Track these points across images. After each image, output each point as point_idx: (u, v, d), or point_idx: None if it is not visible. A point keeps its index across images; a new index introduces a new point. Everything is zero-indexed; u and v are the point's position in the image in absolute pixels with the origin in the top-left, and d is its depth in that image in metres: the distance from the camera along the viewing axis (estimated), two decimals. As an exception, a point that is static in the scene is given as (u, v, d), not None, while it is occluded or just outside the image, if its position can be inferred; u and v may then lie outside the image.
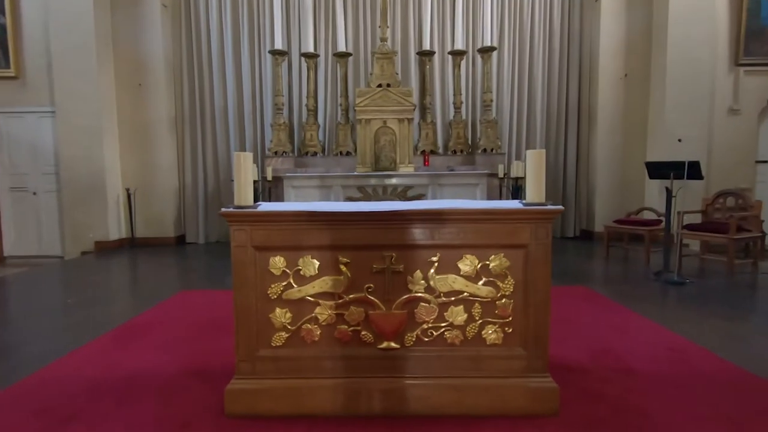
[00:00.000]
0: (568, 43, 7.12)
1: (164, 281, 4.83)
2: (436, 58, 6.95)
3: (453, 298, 1.86)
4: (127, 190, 6.82)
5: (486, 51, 6.50)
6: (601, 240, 6.85)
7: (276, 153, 6.48)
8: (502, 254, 1.84)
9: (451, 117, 6.97)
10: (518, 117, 7.22)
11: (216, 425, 1.81)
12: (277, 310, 1.87)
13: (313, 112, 6.74)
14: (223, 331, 2.94)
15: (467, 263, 1.84)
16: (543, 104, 7.19)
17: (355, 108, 6.10)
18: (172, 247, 6.89)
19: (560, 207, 1.84)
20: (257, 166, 6.32)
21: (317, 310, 1.87)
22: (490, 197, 5.82)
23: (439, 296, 1.86)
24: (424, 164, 6.42)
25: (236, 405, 1.86)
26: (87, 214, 6.57)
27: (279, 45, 6.44)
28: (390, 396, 1.86)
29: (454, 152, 6.67)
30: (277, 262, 1.86)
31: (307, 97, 6.74)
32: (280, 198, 5.99)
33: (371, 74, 6.41)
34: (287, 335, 1.88)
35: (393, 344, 1.87)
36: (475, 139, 6.95)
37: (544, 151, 1.90)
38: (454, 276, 1.85)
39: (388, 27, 6.45)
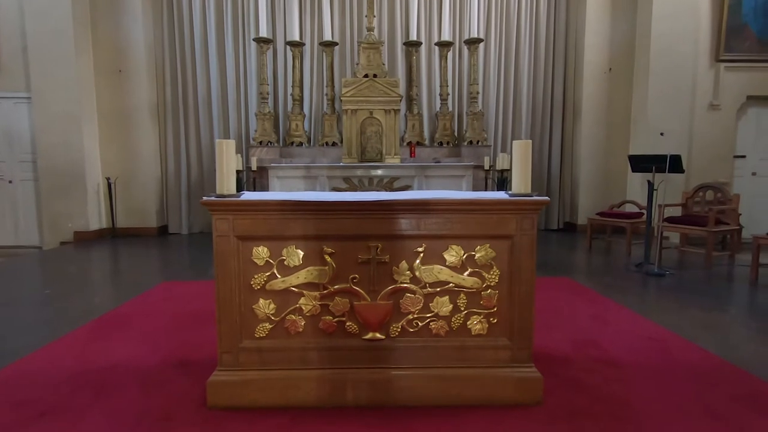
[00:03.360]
0: (554, 37, 7.14)
1: (146, 272, 4.74)
2: (423, 49, 6.91)
3: (438, 289, 1.85)
4: (108, 179, 6.67)
5: (473, 43, 6.48)
6: (585, 232, 6.97)
7: (261, 143, 6.39)
8: (488, 245, 1.84)
9: (438, 108, 6.96)
10: (504, 109, 7.24)
11: (198, 417, 1.79)
12: (261, 300, 1.85)
13: (299, 101, 6.66)
14: (206, 323, 2.90)
15: (453, 254, 1.84)
16: (528, 97, 7.22)
17: (341, 98, 6.04)
18: (154, 238, 6.77)
19: (546, 198, 1.85)
20: (241, 156, 6.22)
21: (301, 300, 1.85)
22: (476, 189, 5.83)
23: (424, 287, 1.85)
24: (411, 155, 6.40)
25: (219, 397, 1.83)
26: (66, 204, 6.40)
27: (264, 33, 6.32)
28: (375, 387, 1.85)
29: (440, 144, 6.67)
30: (261, 252, 1.83)
31: (293, 87, 6.64)
32: (264, 188, 5.91)
33: (357, 64, 6.34)
34: (271, 326, 1.86)
35: (378, 335, 1.86)
36: (462, 131, 6.96)
37: (530, 141, 1.90)
38: (439, 266, 1.84)
39: (375, 16, 6.38)
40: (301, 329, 1.86)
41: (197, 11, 6.89)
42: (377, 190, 5.66)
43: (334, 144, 6.57)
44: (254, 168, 5.81)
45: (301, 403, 1.84)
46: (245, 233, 1.81)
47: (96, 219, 6.64)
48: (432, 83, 7.09)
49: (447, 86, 6.69)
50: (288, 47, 6.79)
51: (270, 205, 1.79)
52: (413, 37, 6.68)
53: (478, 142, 6.47)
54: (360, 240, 1.83)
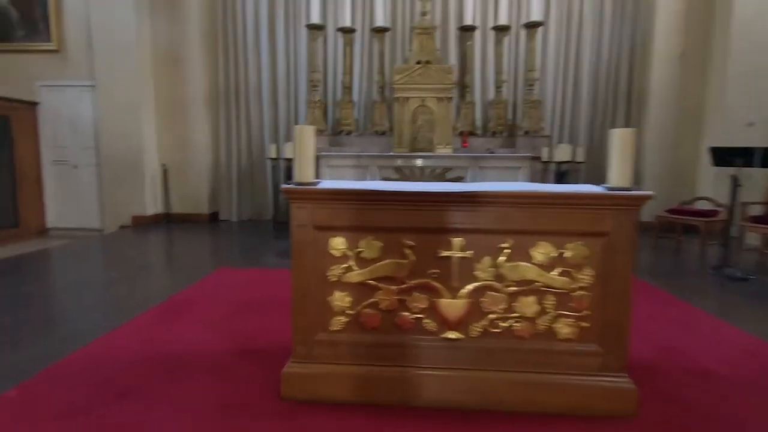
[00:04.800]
0: (621, 19, 6.69)
1: (202, 258, 4.84)
2: (478, 33, 6.64)
3: (524, 288, 1.72)
4: (163, 166, 6.86)
5: (532, 26, 6.17)
6: (649, 230, 6.57)
7: (311, 131, 6.36)
8: (581, 242, 1.69)
9: (492, 96, 6.71)
10: (563, 97, 6.89)
11: (273, 408, 1.75)
12: (336, 293, 1.78)
13: (349, 89, 6.58)
14: (265, 310, 2.90)
15: (541, 251, 1.70)
16: (590, 84, 6.83)
17: (393, 86, 5.92)
18: (205, 224, 6.93)
19: (649, 193, 1.67)
20: (291, 145, 6.23)
21: (378, 294, 1.77)
22: (532, 182, 5.59)
23: (508, 285, 1.73)
24: (463, 145, 6.21)
25: (293, 389, 1.79)
26: (125, 189, 6.65)
27: (316, 20, 6.26)
28: (452, 388, 1.76)
29: (494, 134, 6.43)
30: (338, 243, 1.76)
31: (343, 74, 6.57)
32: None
33: (410, 50, 6.19)
34: (346, 320, 1.79)
35: (457, 334, 1.76)
36: (515, 120, 6.69)
37: (633, 130, 1.72)
38: (526, 264, 1.71)
39: (429, 0, 6.18)
40: (377, 324, 1.78)
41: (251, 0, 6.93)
42: (428, 181, 5.52)
43: (383, 133, 6.47)
44: (305, 156, 5.81)
45: (375, 400, 1.77)
46: (323, 223, 1.74)
47: (152, 204, 6.86)
48: (486, 70, 6.83)
49: (503, 73, 6.42)
50: (338, 34, 6.72)
51: (350, 195, 1.71)
52: (467, 21, 6.43)
53: (534, 132, 6.19)
54: (441, 233, 1.73)
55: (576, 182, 6.24)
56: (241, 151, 7.23)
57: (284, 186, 1.74)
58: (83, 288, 3.61)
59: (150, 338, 2.48)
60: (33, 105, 6.65)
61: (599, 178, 6.84)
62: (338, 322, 1.79)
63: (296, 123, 7.16)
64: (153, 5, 6.68)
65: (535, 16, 6.15)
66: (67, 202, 7.04)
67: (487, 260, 1.72)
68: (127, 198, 6.68)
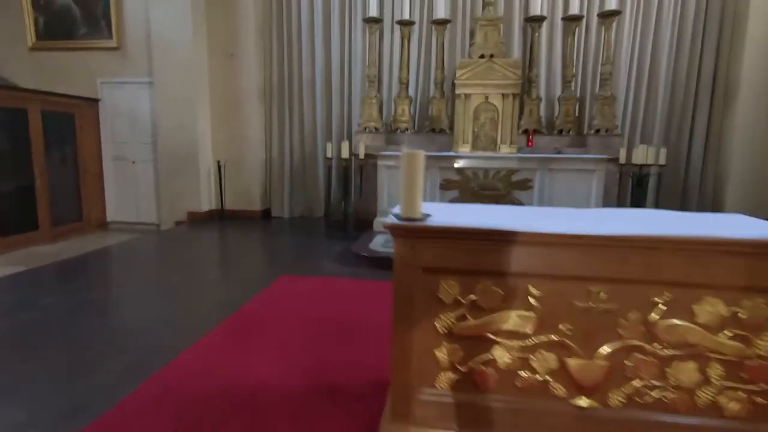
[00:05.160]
0: (707, 3, 6.03)
1: (260, 260, 4.74)
2: (545, 25, 6.16)
3: (681, 352, 1.41)
4: (218, 162, 6.83)
5: (608, 16, 5.64)
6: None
7: (366, 129, 6.13)
8: (763, 300, 1.35)
9: (558, 92, 6.24)
10: (635, 93, 6.32)
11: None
12: (445, 345, 1.53)
13: (406, 84, 6.28)
14: (341, 333, 2.70)
15: (708, 308, 1.38)
16: (668, 77, 6.22)
17: (455, 81, 5.57)
18: (259, 221, 6.87)
19: None
20: (349, 142, 6.00)
21: (496, 350, 1.51)
22: (608, 187, 5.14)
23: (661, 347, 1.42)
24: (528, 145, 5.81)
25: (392, 453, 1.57)
26: (181, 185, 6.67)
27: (374, 12, 5.97)
28: (583, 463, 1.48)
29: (560, 132, 5.97)
30: (450, 288, 1.50)
31: (400, 69, 6.27)
32: (371, 178, 5.67)
33: (472, 43, 5.81)
34: (456, 377, 1.54)
35: (591, 402, 1.47)
36: (583, 117, 6.19)
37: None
38: (686, 324, 1.40)
39: (495, -11, 5.77)
40: (493, 385, 1.53)
41: (305, -8, 6.72)
42: (494, 184, 5.19)
43: (441, 131, 6.14)
44: (362, 156, 5.58)
45: (489, 471, 1.52)
46: (433, 264, 1.49)
47: (207, 200, 6.86)
48: (552, 63, 6.36)
49: (572, 66, 5.94)
50: (395, 27, 6.42)
51: (468, 234, 1.45)
52: (535, 11, 5.96)
53: (606, 130, 5.70)
54: (577, 281, 1.44)
55: (658, 188, 5.73)
56: (294, 147, 7.10)
57: (386, 223, 1.50)
58: (148, 296, 3.55)
59: (223, 365, 2.33)
60: (95, 102, 6.76)
61: (678, 183, 6.26)
62: (446, 379, 1.55)
63: (350, 119, 6.96)
64: (209, 1, 6.60)
65: (612, 4, 5.60)
66: (126, 197, 7.16)
67: (635, 316, 1.42)
68: (183, 193, 6.70)
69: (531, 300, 1.47)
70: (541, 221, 1.50)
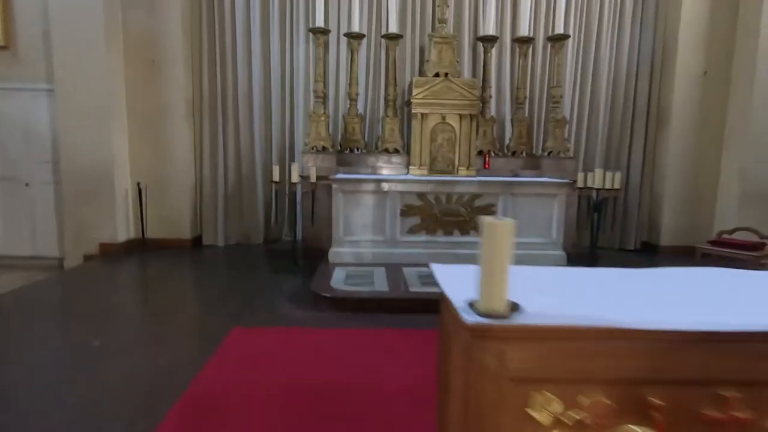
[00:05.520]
0: (641, 34, 6.36)
1: (203, 304, 4.00)
2: (495, 45, 6.10)
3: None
4: (138, 184, 5.89)
5: (557, 39, 5.70)
6: (668, 255, 6.30)
7: (314, 148, 5.62)
8: None
9: (507, 113, 6.23)
10: (578, 116, 6.49)
11: None
12: (538, 480, 1.12)
13: (355, 101, 5.88)
14: (331, 414, 2.18)
15: None
16: (607, 103, 6.46)
17: (412, 100, 5.28)
18: (188, 251, 6.02)
19: None
20: (289, 165, 5.42)
21: (607, 482, 1.12)
22: (569, 212, 5.12)
23: (808, 464, 1.13)
24: (484, 167, 5.67)
25: None
26: (91, 212, 5.64)
27: (320, 22, 5.51)
28: None
29: (513, 153, 5.93)
30: (546, 402, 1.10)
31: (350, 85, 5.86)
32: (325, 205, 5.17)
33: (427, 61, 5.57)
34: None
35: None
36: (532, 138, 6.18)
37: None
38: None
39: (448, 6, 5.59)
40: None
41: (241, -6, 6.09)
42: (456, 209, 4.93)
43: (396, 151, 5.81)
44: (313, 179, 5.05)
45: None
46: (524, 373, 1.08)
47: (124, 229, 5.88)
48: (502, 84, 6.33)
49: (525, 88, 5.92)
50: (341, 39, 6.03)
51: (576, 333, 1.06)
52: (486, 31, 5.87)
53: (560, 153, 5.73)
54: (706, 386, 1.11)
55: (614, 212, 5.84)
56: (228, 167, 6.36)
57: (469, 321, 1.07)
58: (49, 375, 2.73)
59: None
60: (-26, 111, 5.53)
61: (618, 206, 6.47)
62: None
63: (292, 138, 6.40)
64: (126, -3, 5.72)
65: (560, 28, 5.67)
66: (17, 225, 5.93)
67: (776, 427, 1.12)
68: (94, 222, 5.66)
69: (652, 412, 1.11)
70: (647, 306, 1.16)
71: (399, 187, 4.86)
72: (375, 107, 6.27)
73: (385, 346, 3.04)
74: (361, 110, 6.07)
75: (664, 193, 6.39)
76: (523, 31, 5.81)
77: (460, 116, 5.34)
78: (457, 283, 1.34)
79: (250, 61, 6.25)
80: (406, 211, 4.91)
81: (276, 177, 5.09)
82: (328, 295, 3.86)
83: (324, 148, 5.63)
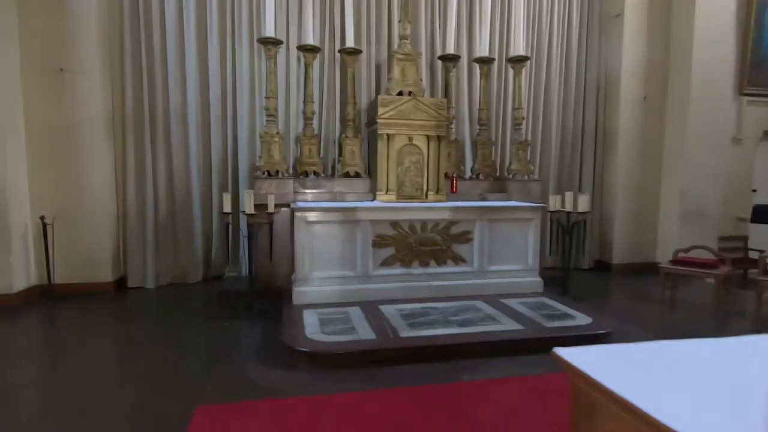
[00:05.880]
0: (586, 60, 6.56)
1: (143, 374, 3.14)
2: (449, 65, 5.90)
3: None
4: (42, 218, 4.78)
5: (518, 61, 5.65)
6: (620, 273, 6.46)
7: (267, 173, 4.96)
8: None
9: (470, 135, 6.06)
10: (531, 138, 6.48)
11: None
12: None
13: (311, 120, 5.33)
14: None
15: None
16: (558, 126, 6.54)
17: (378, 120, 4.85)
18: (111, 296, 4.99)
19: None
20: (250, 195, 4.70)
21: None
22: (542, 235, 4.96)
23: None
24: (452, 191, 5.38)
25: None
26: (-24, 255, 4.45)
27: (270, 32, 4.92)
28: None
29: (478, 176, 5.73)
30: None
31: (305, 102, 5.31)
32: (281, 238, 4.51)
33: (390, 79, 5.20)
34: None
35: None
36: (495, 161, 6.03)
37: None
38: None
39: (409, 22, 5.29)
40: None
41: (172, -3, 5.32)
42: (432, 238, 4.54)
43: (357, 175, 5.33)
44: (271, 209, 4.37)
45: None
46: None
47: (23, 274, 4.74)
48: (460, 105, 6.14)
49: (487, 109, 5.78)
50: (291, 52, 5.48)
51: None
52: (448, 49, 5.66)
53: (525, 175, 5.62)
54: None
55: (584, 235, 5.81)
56: (159, 194, 5.46)
57: None
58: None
59: None
60: None
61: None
62: None
63: (235, 160, 5.66)
64: (25, -9, 4.70)
65: (515, 51, 5.63)
66: None
67: None
68: (-20, 268, 4.47)
69: None
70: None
71: (371, 216, 4.37)
72: (330, 127, 5.75)
73: (394, 414, 2.51)
74: (316, 129, 5.52)
75: (614, 213, 6.57)
76: (481, 51, 5.68)
77: (428, 138, 5.02)
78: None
79: (184, 72, 5.45)
80: (379, 242, 4.42)
81: (227, 207, 4.33)
82: (306, 349, 3.23)
83: (277, 172, 4.99)
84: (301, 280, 4.27)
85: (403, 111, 4.89)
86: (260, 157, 5.02)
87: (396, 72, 5.14)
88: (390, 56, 5.29)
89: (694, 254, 5.15)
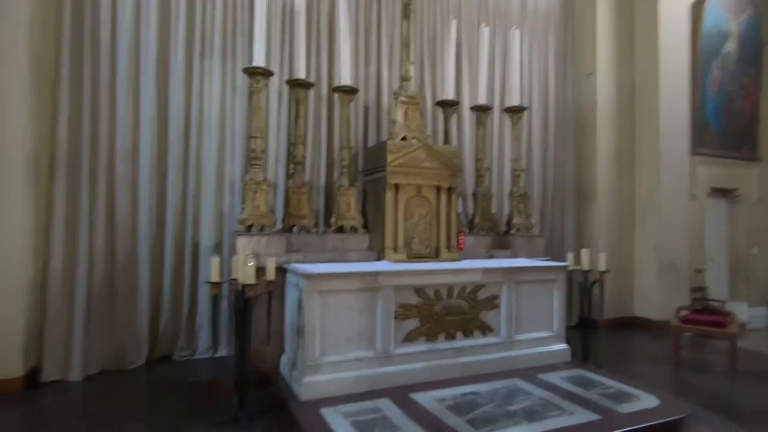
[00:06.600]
0: (564, 115, 6.61)
1: None
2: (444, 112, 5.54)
3: None
4: None
5: (515, 111, 5.44)
6: (606, 329, 6.29)
7: (250, 228, 4.01)
8: None
9: (467, 185, 5.66)
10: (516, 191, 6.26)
11: None
12: None
13: (301, 165, 4.55)
14: None
15: None
16: (539, 178, 6.41)
17: (388, 167, 4.22)
18: (17, 398, 3.56)
19: None
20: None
21: None
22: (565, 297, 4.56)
23: None
24: (458, 248, 4.83)
25: None
26: None
27: (260, 61, 4.14)
28: None
29: (480, 230, 5.27)
30: None
31: (295, 144, 4.54)
32: (260, 311, 3.57)
33: (393, 122, 4.65)
34: None
35: None
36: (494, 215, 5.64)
37: None
38: None
39: (412, 63, 4.85)
40: None
41: (128, 5, 4.34)
42: (459, 305, 3.90)
43: (353, 230, 4.57)
44: (271, 276, 3.42)
45: None
46: None
47: None
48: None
49: (484, 159, 5.43)
50: (272, 89, 4.73)
51: None
52: (446, 95, 5.29)
53: (527, 230, 5.28)
54: None
55: (602, 294, 5.52)
56: (96, 252, 4.21)
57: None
58: None
59: None
60: None
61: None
62: None
63: (197, 210, 4.64)
64: None
65: (515, 99, 5.45)
66: None
67: None
68: None
69: None
70: None
71: (395, 281, 3.63)
72: (316, 173, 4.98)
73: None
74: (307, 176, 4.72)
75: (597, 267, 6.46)
76: (478, 99, 5.41)
77: (438, 188, 4.48)
78: None
79: (137, 103, 4.42)
80: (402, 313, 3.67)
81: (215, 275, 3.28)
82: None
83: (262, 227, 4.07)
84: (310, 366, 3.33)
85: (414, 158, 4.34)
86: (243, 209, 4.07)
87: (399, 115, 4.61)
88: (393, 98, 4.73)
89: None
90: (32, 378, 3.84)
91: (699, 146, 7.08)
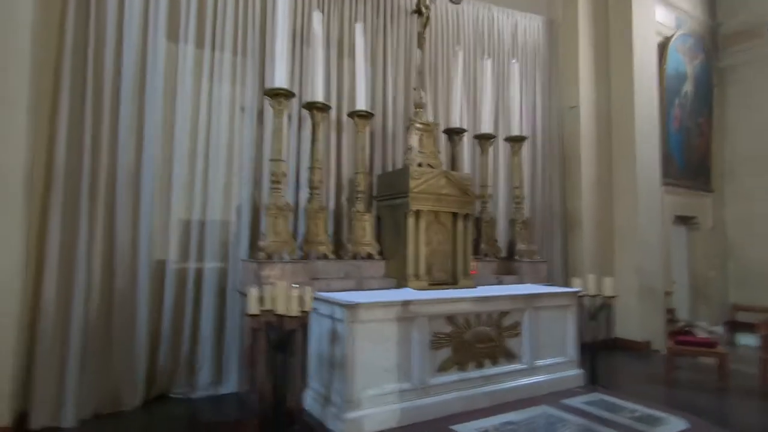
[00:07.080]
0: (549, 144, 6.93)
1: None
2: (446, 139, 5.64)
3: None
4: None
5: (516, 141, 5.64)
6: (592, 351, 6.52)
7: (270, 256, 3.82)
8: None
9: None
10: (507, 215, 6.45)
11: None
12: None
13: (318, 190, 4.42)
14: None
15: None
16: (529, 204, 6.64)
17: (411, 194, 4.20)
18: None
19: None
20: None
21: None
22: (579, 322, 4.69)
23: None
24: (471, 273, 4.86)
25: None
26: None
27: (282, 82, 4.03)
28: None
29: (485, 256, 5.34)
30: None
31: (311, 169, 4.41)
32: (296, 342, 3.38)
33: (409, 149, 4.66)
34: None
35: None
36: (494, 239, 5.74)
37: None
38: None
39: (424, 92, 4.92)
40: None
41: (134, 16, 4.09)
42: (487, 333, 3.90)
43: (369, 256, 4.48)
44: (308, 307, 3.24)
45: None
46: None
47: None
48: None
49: (488, 186, 5.55)
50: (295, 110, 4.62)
51: None
52: (453, 123, 5.39)
53: (530, 255, 5.43)
54: None
55: (609, 319, 5.70)
56: (92, 284, 3.82)
57: None
58: None
59: None
60: None
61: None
62: None
63: (202, 238, 4.35)
64: None
65: (515, 129, 5.65)
66: None
67: None
68: None
69: None
70: None
71: (430, 310, 3.57)
72: (325, 196, 4.86)
73: None
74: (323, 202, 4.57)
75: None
76: (481, 128, 5.56)
77: (454, 215, 4.52)
78: None
79: (142, 120, 4.13)
80: (437, 342, 3.61)
81: (253, 307, 3.06)
82: None
83: (281, 256, 3.89)
84: (352, 402, 3.17)
85: (434, 185, 4.36)
86: (264, 235, 3.87)
87: (413, 142, 4.63)
88: (407, 125, 4.76)
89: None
90: (21, 424, 3.36)
91: (665, 176, 7.64)
